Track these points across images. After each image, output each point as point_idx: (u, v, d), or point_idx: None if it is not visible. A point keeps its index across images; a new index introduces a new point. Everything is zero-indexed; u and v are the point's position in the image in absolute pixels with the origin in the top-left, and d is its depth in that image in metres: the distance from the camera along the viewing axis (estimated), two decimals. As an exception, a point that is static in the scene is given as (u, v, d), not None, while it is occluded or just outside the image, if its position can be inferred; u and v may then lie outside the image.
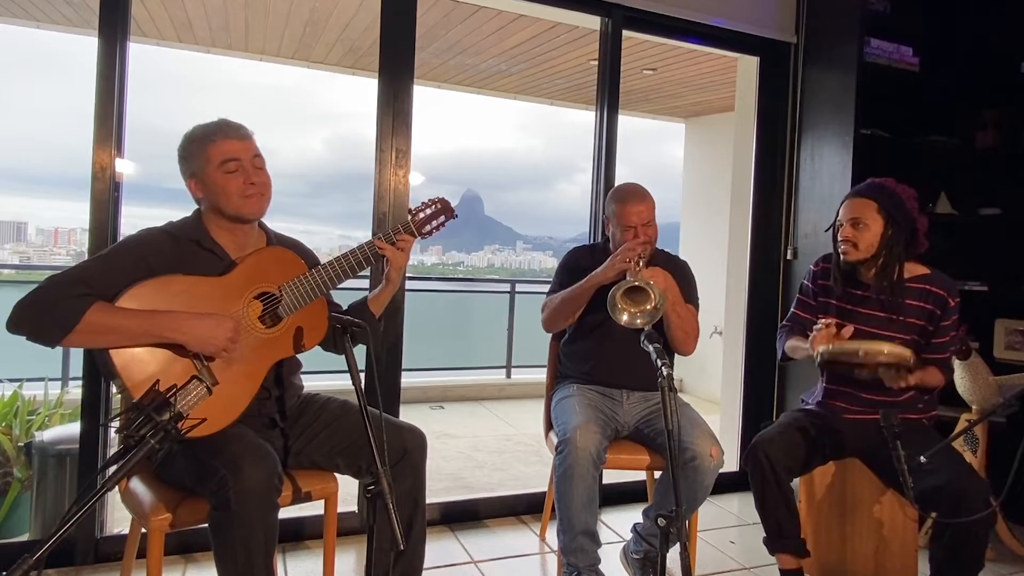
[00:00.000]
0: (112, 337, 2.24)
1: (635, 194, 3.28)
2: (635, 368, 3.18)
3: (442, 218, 2.81)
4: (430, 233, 2.80)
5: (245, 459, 2.25)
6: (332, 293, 2.75)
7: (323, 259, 2.75)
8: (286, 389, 2.70)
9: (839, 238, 3.10)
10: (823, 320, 3.00)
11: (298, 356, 2.69)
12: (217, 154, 2.49)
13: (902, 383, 2.84)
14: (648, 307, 2.79)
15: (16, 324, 2.18)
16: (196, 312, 2.34)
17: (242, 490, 2.20)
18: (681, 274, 3.35)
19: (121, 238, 3.31)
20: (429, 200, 2.80)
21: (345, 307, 2.89)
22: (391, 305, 2.88)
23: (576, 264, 3.46)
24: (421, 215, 2.77)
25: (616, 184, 3.46)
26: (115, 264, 2.34)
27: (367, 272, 3.15)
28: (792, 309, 3.39)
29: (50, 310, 2.18)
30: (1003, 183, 4.52)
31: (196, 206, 2.60)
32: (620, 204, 3.27)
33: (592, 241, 4.18)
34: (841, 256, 3.10)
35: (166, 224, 2.54)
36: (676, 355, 3.33)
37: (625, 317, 2.81)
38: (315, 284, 2.57)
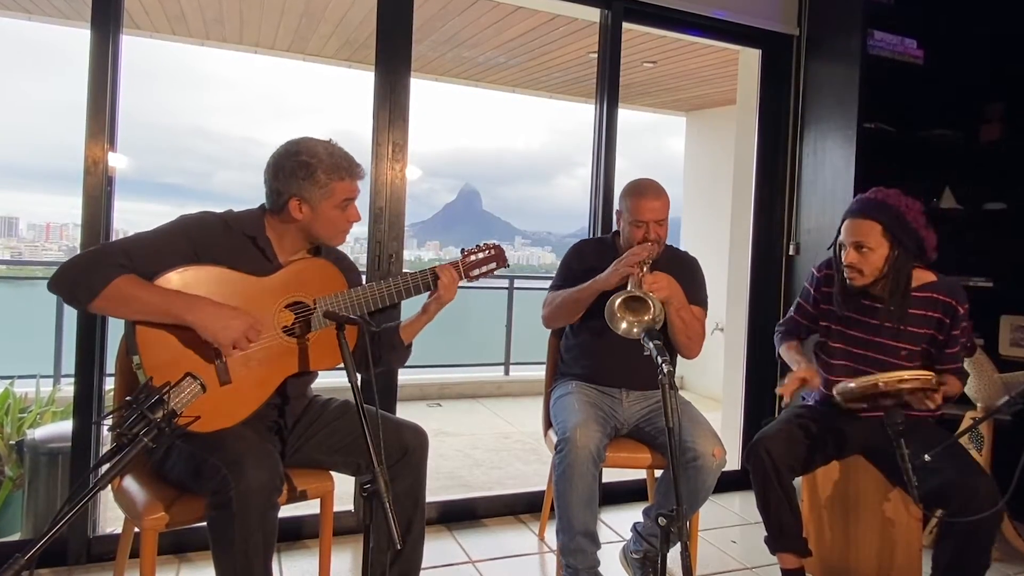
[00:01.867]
0: (131, 308, 2.28)
1: (651, 190, 3.23)
2: (635, 366, 3.16)
3: (493, 264, 2.82)
4: (476, 278, 2.81)
5: (248, 459, 2.25)
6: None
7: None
8: (294, 400, 2.70)
9: (844, 263, 3.04)
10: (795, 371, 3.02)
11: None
12: (343, 192, 2.55)
13: (930, 404, 2.81)
14: (647, 318, 2.76)
15: (57, 283, 2.26)
16: (216, 302, 2.35)
17: (244, 490, 2.20)
18: (689, 274, 3.33)
19: (115, 232, 3.32)
20: (484, 244, 2.83)
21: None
22: (393, 324, 2.87)
23: (582, 258, 3.44)
24: (472, 258, 2.79)
25: (631, 179, 3.36)
26: (165, 244, 2.39)
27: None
28: (791, 313, 3.39)
29: (85, 274, 2.24)
30: (1008, 177, 4.52)
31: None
32: (634, 199, 3.22)
33: (592, 236, 4.17)
34: (848, 282, 3.06)
35: (226, 212, 2.57)
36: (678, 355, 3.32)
37: (623, 326, 2.78)
38: (350, 304, 2.59)
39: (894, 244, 2.94)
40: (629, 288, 2.86)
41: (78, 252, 2.31)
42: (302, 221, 2.52)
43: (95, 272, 2.23)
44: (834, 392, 2.93)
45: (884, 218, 2.94)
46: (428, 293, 2.75)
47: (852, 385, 2.83)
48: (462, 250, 2.80)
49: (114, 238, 2.56)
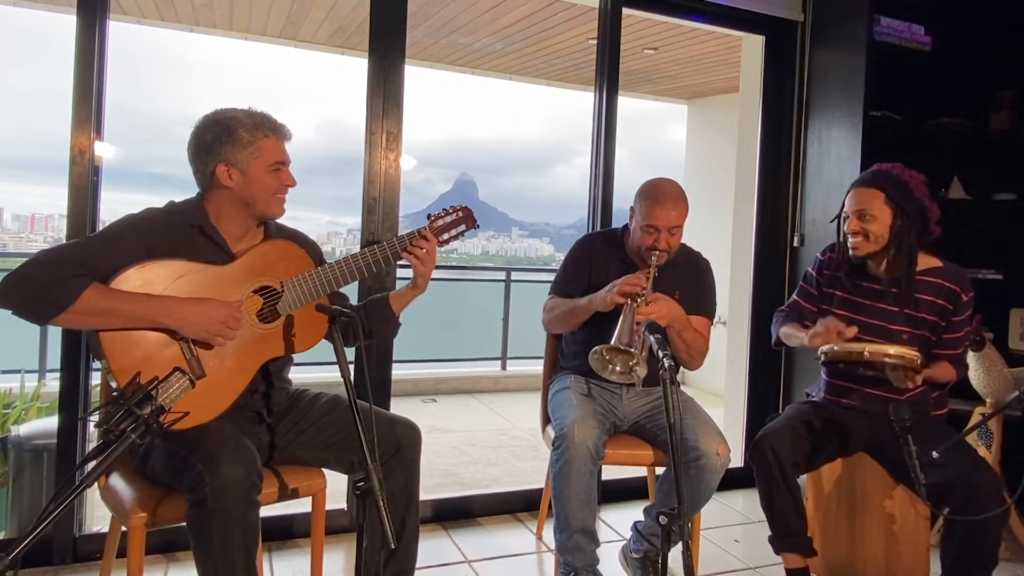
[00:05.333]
0: (105, 319, 2.25)
1: (670, 196, 3.16)
2: (635, 361, 3.17)
3: (462, 227, 2.80)
4: (447, 242, 2.78)
5: (222, 455, 2.24)
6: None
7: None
8: (274, 385, 2.68)
9: (847, 231, 3.07)
10: (827, 320, 2.98)
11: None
12: (271, 152, 2.51)
13: (909, 384, 2.83)
14: (632, 363, 2.73)
15: (8, 298, 2.19)
16: (190, 297, 2.34)
17: (219, 487, 2.19)
18: (700, 279, 3.32)
19: (101, 223, 3.31)
20: (451, 207, 2.80)
21: (362, 301, 2.90)
22: (382, 295, 2.87)
23: (587, 257, 3.40)
24: (440, 222, 2.76)
25: (653, 179, 3.31)
26: (113, 244, 2.35)
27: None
28: (793, 296, 3.38)
29: (44, 288, 2.18)
30: (1019, 167, 4.52)
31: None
32: (650, 203, 3.14)
33: (591, 227, 4.17)
34: (851, 251, 3.07)
35: (167, 204, 2.54)
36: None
37: (615, 378, 2.82)
38: (319, 283, 2.57)
39: (897, 213, 2.97)
40: (617, 331, 2.77)
41: (24, 262, 2.22)
42: (234, 188, 2.47)
43: (58, 285, 2.19)
44: (819, 349, 2.93)
45: (887, 187, 2.98)
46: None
47: (837, 348, 2.85)
48: (428, 215, 2.77)
49: (100, 229, 2.52)
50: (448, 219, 2.77)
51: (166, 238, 2.42)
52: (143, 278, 2.32)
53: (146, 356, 2.31)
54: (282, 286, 2.52)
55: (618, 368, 2.79)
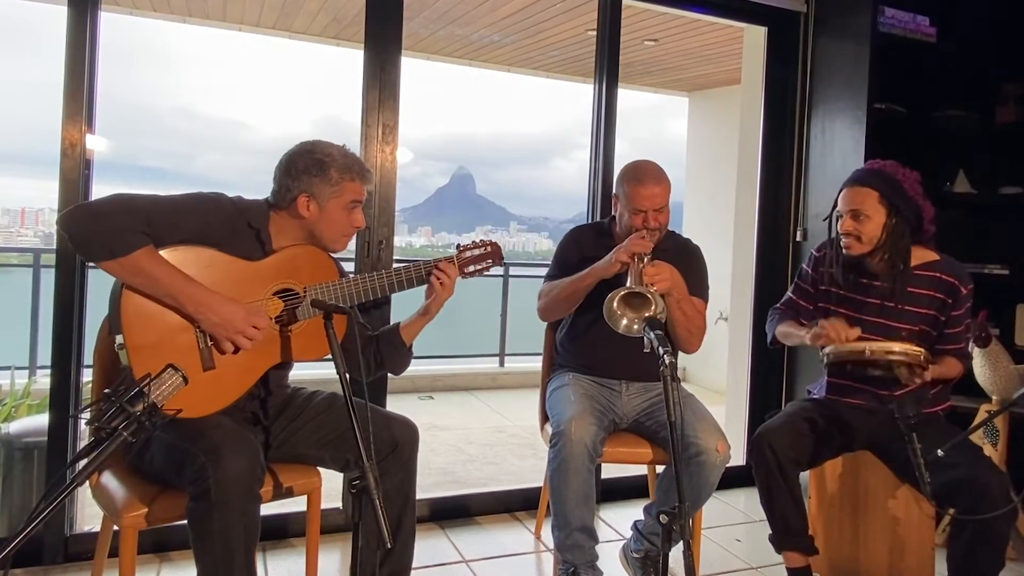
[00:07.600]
0: (143, 281, 2.31)
1: (651, 175, 3.18)
2: (635, 357, 3.14)
3: (488, 262, 2.90)
4: (472, 275, 2.88)
5: (226, 447, 2.26)
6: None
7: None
8: (273, 390, 2.71)
9: (840, 231, 3.06)
10: (831, 321, 2.97)
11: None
12: (352, 192, 2.62)
13: (918, 380, 2.84)
14: (647, 314, 2.72)
15: (73, 228, 2.28)
16: (223, 295, 2.39)
17: (223, 479, 2.20)
18: (692, 264, 3.31)
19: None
20: (481, 241, 2.91)
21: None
22: (392, 325, 2.89)
23: (578, 247, 3.43)
24: (468, 254, 2.86)
25: (629, 161, 3.33)
26: (180, 219, 2.41)
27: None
28: (788, 294, 3.38)
29: (110, 233, 2.26)
30: (1025, 160, 4.51)
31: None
32: (633, 184, 3.18)
33: (591, 221, 4.16)
34: (844, 251, 3.07)
35: (236, 197, 2.60)
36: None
37: (623, 323, 2.70)
38: (342, 293, 2.62)
39: (891, 212, 2.97)
40: (628, 283, 2.82)
41: (100, 197, 2.35)
42: (308, 219, 2.57)
43: (120, 236, 2.25)
44: (822, 351, 2.94)
45: (881, 185, 2.98)
46: (426, 288, 2.80)
47: (841, 349, 2.86)
48: (457, 246, 2.85)
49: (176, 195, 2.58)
50: (476, 252, 2.87)
51: (225, 230, 2.49)
52: (177, 255, 2.37)
53: (162, 338, 2.35)
54: (304, 291, 2.56)
55: (631, 314, 2.77)
